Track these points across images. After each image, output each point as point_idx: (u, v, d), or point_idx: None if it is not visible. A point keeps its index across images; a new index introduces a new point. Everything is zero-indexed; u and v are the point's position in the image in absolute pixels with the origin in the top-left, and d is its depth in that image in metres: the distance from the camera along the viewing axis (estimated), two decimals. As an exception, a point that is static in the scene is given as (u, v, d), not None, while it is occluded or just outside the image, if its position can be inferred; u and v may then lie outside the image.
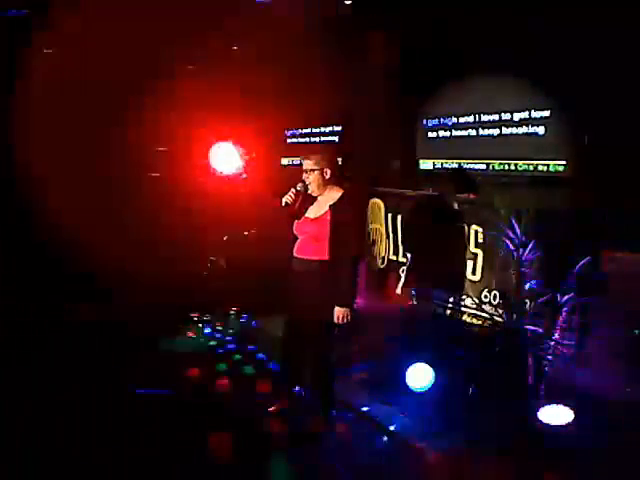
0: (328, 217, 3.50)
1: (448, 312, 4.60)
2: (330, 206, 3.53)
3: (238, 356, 4.78)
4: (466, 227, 4.44)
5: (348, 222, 3.49)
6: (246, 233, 6.79)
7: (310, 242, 3.55)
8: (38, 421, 3.51)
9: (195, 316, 5.64)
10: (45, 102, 6.58)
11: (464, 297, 4.47)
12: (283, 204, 3.59)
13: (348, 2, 5.94)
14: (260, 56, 7.49)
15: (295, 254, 3.62)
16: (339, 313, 3.48)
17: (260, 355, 4.76)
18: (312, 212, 3.60)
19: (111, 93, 6.96)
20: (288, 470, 3.30)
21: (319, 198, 3.61)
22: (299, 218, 3.62)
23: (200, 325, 5.48)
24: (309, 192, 3.60)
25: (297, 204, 3.61)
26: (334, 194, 3.57)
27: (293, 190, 3.59)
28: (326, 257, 3.48)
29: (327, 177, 3.56)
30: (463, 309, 4.47)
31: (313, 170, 3.54)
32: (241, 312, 5.82)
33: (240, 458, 3.34)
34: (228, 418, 3.75)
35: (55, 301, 5.38)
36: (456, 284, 4.54)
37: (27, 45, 6.58)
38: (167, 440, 3.42)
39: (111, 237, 6.23)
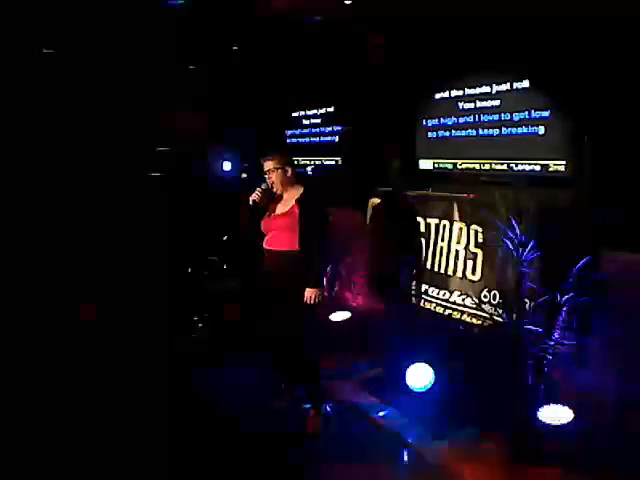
0: (296, 210, 3.69)
1: (447, 312, 4.60)
2: (296, 200, 3.72)
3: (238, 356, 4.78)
4: (465, 226, 4.45)
5: (315, 213, 3.67)
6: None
7: (280, 235, 3.72)
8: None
9: (195, 316, 5.63)
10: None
11: (464, 297, 4.46)
12: (251, 203, 3.78)
13: (348, 2, 5.92)
14: (260, 56, 7.50)
15: (266, 247, 3.77)
16: (310, 293, 3.63)
17: (260, 355, 4.75)
18: (279, 209, 3.79)
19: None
20: (288, 470, 3.30)
21: (284, 195, 3.81)
22: (268, 215, 3.80)
23: (200, 325, 5.48)
24: (274, 190, 3.80)
25: (264, 202, 3.81)
26: (298, 190, 3.79)
27: (259, 189, 3.80)
28: (297, 247, 3.65)
29: (289, 175, 3.79)
30: (463, 309, 4.47)
31: (276, 169, 3.75)
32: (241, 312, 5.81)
33: (240, 458, 3.34)
34: (228, 418, 3.76)
35: (55, 300, 5.38)
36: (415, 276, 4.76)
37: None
38: (167, 439, 3.43)
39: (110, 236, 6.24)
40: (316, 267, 3.67)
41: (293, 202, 3.73)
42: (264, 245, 3.79)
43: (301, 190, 3.79)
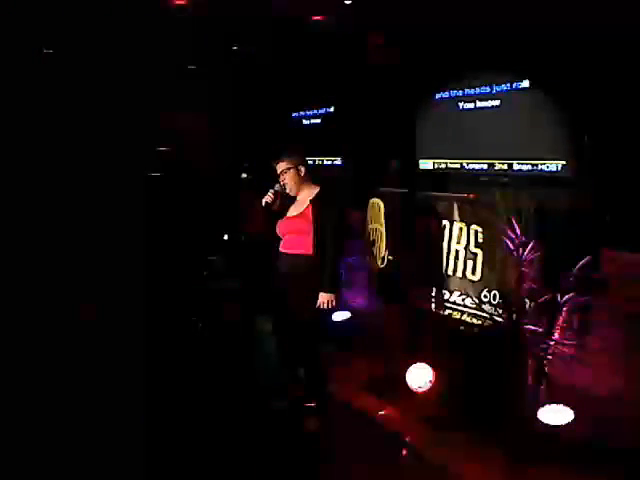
0: (310, 211, 3.58)
1: (447, 312, 4.59)
2: (310, 201, 3.62)
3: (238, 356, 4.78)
4: (465, 226, 4.45)
5: (329, 215, 3.56)
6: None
7: (294, 238, 3.63)
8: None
9: (195, 316, 5.64)
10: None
11: (464, 297, 4.46)
12: (263, 204, 3.68)
13: (348, 2, 5.92)
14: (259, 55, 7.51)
15: (281, 250, 3.70)
16: (323, 298, 3.54)
17: (260, 355, 4.76)
18: (294, 210, 3.70)
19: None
20: (288, 470, 3.30)
21: (298, 197, 3.71)
22: (281, 217, 3.71)
23: (200, 325, 5.48)
24: (287, 192, 3.70)
25: (276, 205, 3.71)
26: (312, 190, 3.67)
27: (271, 190, 3.69)
28: (311, 251, 3.54)
29: (302, 174, 3.67)
30: (463, 309, 4.47)
31: (289, 168, 3.65)
32: (241, 311, 5.81)
33: (239, 458, 3.35)
34: (228, 418, 3.76)
35: (55, 300, 5.38)
36: (436, 280, 4.61)
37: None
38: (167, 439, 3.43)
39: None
40: (330, 271, 3.54)
41: (307, 203, 3.63)
42: (280, 249, 3.71)
43: (316, 190, 3.67)
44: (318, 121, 7.23)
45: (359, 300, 5.66)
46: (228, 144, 8.18)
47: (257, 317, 5.34)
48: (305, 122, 7.47)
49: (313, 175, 3.79)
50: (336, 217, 3.60)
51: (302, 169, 3.68)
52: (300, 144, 7.10)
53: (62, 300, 5.38)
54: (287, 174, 3.66)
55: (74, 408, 3.66)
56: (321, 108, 7.15)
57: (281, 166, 3.68)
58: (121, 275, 5.83)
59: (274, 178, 3.76)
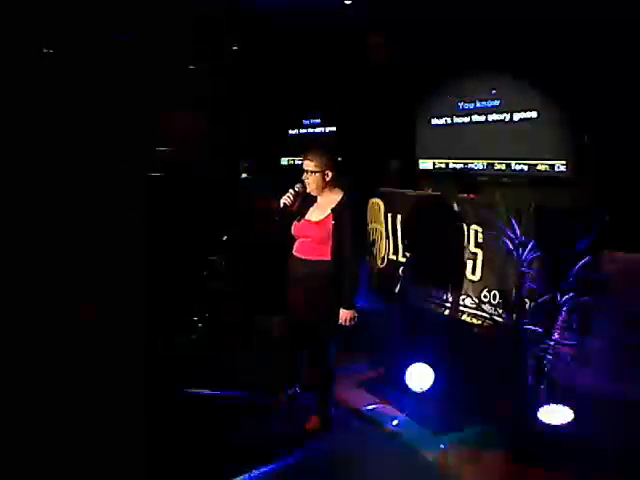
0: (331, 220, 3.44)
1: (448, 312, 4.59)
2: (332, 209, 3.47)
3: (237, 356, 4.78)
4: (465, 227, 4.44)
5: (350, 224, 3.44)
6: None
7: (312, 244, 3.50)
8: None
9: (195, 316, 5.64)
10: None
11: (464, 297, 4.46)
12: (281, 205, 3.53)
13: (348, 2, 5.93)
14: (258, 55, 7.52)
15: (295, 253, 3.58)
16: (345, 315, 3.46)
17: (261, 354, 4.76)
18: (314, 215, 3.55)
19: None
20: (287, 470, 3.30)
21: (319, 199, 3.56)
22: (299, 220, 3.56)
23: (200, 325, 5.48)
24: (309, 192, 3.56)
25: (296, 205, 3.56)
26: (335, 196, 3.52)
27: (292, 191, 3.55)
28: (328, 257, 3.43)
29: (328, 179, 3.50)
30: (463, 309, 4.47)
31: (314, 172, 3.47)
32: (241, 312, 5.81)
33: (240, 458, 3.34)
34: (228, 417, 3.76)
35: (55, 299, 5.38)
36: (455, 284, 4.55)
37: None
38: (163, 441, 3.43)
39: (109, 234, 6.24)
40: (350, 284, 3.45)
41: (329, 211, 3.47)
42: (294, 252, 3.58)
43: (339, 197, 3.49)
44: (318, 120, 7.24)
45: (359, 300, 5.65)
46: (228, 144, 8.18)
47: (257, 317, 5.35)
48: (305, 122, 7.48)
49: (339, 179, 3.58)
50: (353, 224, 3.45)
51: (329, 174, 3.49)
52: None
53: (61, 300, 5.38)
54: (312, 176, 3.48)
55: (73, 409, 3.66)
56: (321, 108, 7.16)
57: (308, 166, 3.49)
58: (121, 275, 5.83)
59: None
